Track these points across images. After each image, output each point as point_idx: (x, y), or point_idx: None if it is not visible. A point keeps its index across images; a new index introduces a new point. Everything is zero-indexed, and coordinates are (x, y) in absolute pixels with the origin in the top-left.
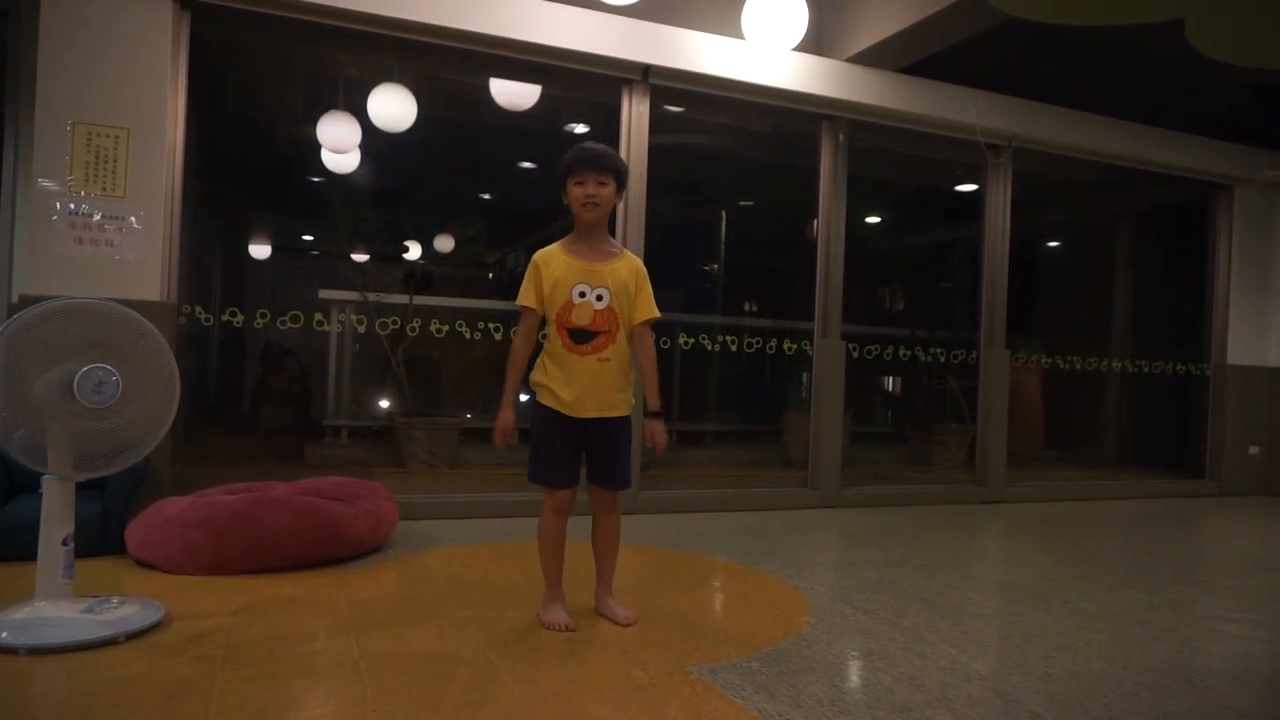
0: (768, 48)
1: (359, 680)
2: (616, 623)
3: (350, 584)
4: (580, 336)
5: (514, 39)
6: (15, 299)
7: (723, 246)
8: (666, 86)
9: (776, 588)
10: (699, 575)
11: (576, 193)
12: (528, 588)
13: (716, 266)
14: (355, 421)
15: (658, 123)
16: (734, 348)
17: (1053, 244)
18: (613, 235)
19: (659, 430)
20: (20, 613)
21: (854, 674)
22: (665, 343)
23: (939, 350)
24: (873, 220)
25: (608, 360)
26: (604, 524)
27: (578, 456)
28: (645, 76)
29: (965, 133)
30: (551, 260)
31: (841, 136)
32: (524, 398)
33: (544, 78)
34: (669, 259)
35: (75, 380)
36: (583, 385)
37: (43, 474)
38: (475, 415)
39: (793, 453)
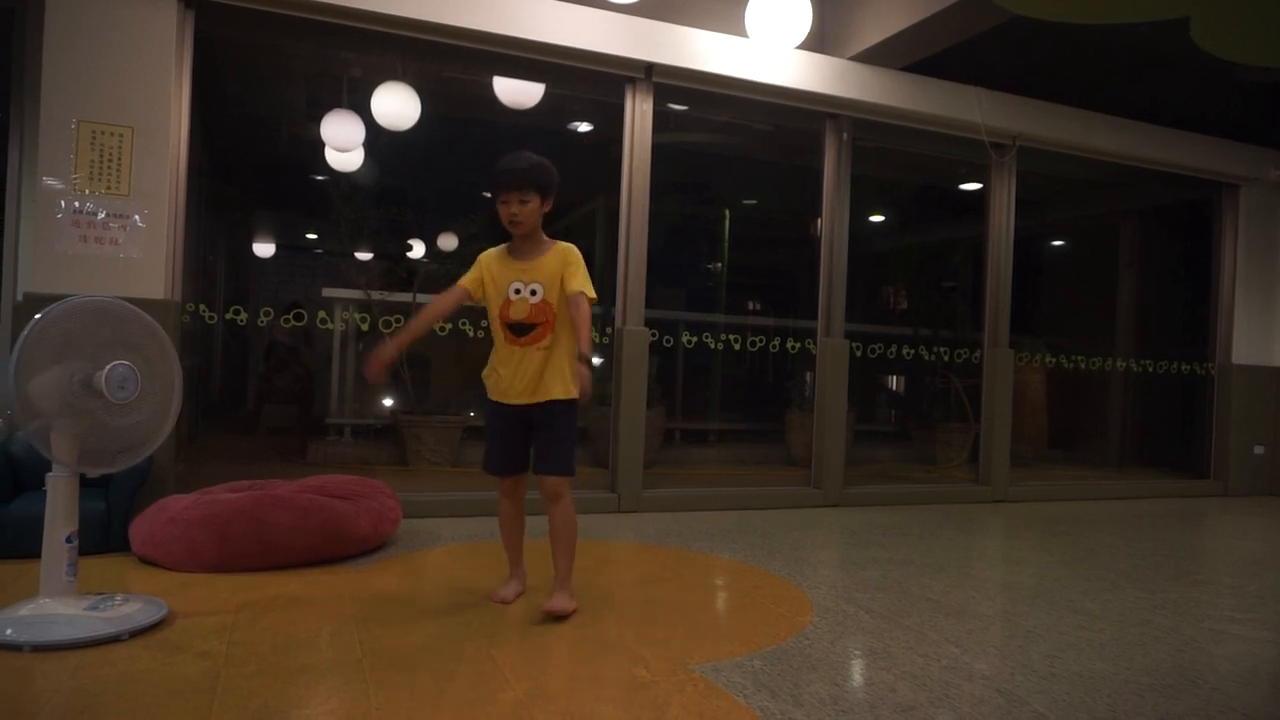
0: (771, 46)
1: (362, 678)
2: (548, 611)
3: (353, 582)
4: (519, 330)
5: (517, 37)
6: (20, 297)
7: (726, 245)
8: (670, 85)
9: (779, 586)
10: (701, 573)
11: (501, 211)
12: (531, 586)
13: (720, 265)
14: (358, 420)
15: (661, 121)
16: (737, 346)
17: (1057, 243)
18: (615, 233)
19: (584, 373)
20: (24, 610)
21: (856, 673)
22: (669, 341)
23: (942, 349)
24: (876, 219)
25: (547, 349)
26: (550, 514)
27: (518, 446)
28: (648, 75)
29: (970, 131)
30: (493, 261)
31: (845, 135)
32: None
33: (547, 76)
34: (672, 258)
35: (104, 376)
36: (522, 374)
37: (49, 471)
38: (478, 414)
39: (796, 451)
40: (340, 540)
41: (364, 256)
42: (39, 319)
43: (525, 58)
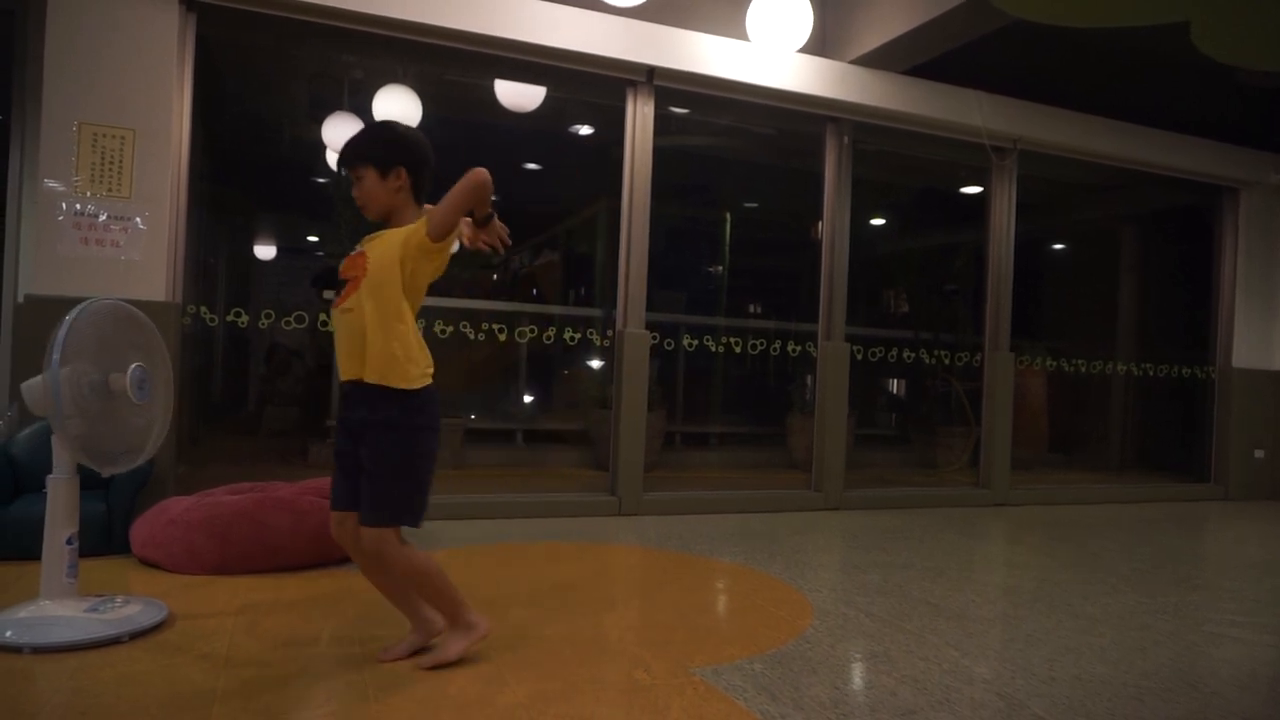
0: (772, 50)
1: (362, 680)
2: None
3: (353, 584)
4: (341, 288)
5: (518, 40)
6: (21, 299)
7: (727, 248)
8: (671, 88)
9: (780, 590)
10: (702, 576)
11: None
12: (530, 589)
13: (721, 268)
14: None
15: (662, 124)
16: (738, 349)
17: (1058, 246)
18: (616, 236)
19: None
20: (24, 611)
21: (857, 676)
22: (670, 344)
23: (943, 353)
24: (877, 222)
25: (349, 311)
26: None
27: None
28: (650, 78)
29: (970, 135)
30: None
31: (846, 138)
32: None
33: (549, 79)
34: (673, 261)
35: (128, 377)
36: (338, 345)
37: (49, 473)
38: (479, 416)
39: (796, 455)
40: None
41: None
42: (74, 321)
43: (527, 61)
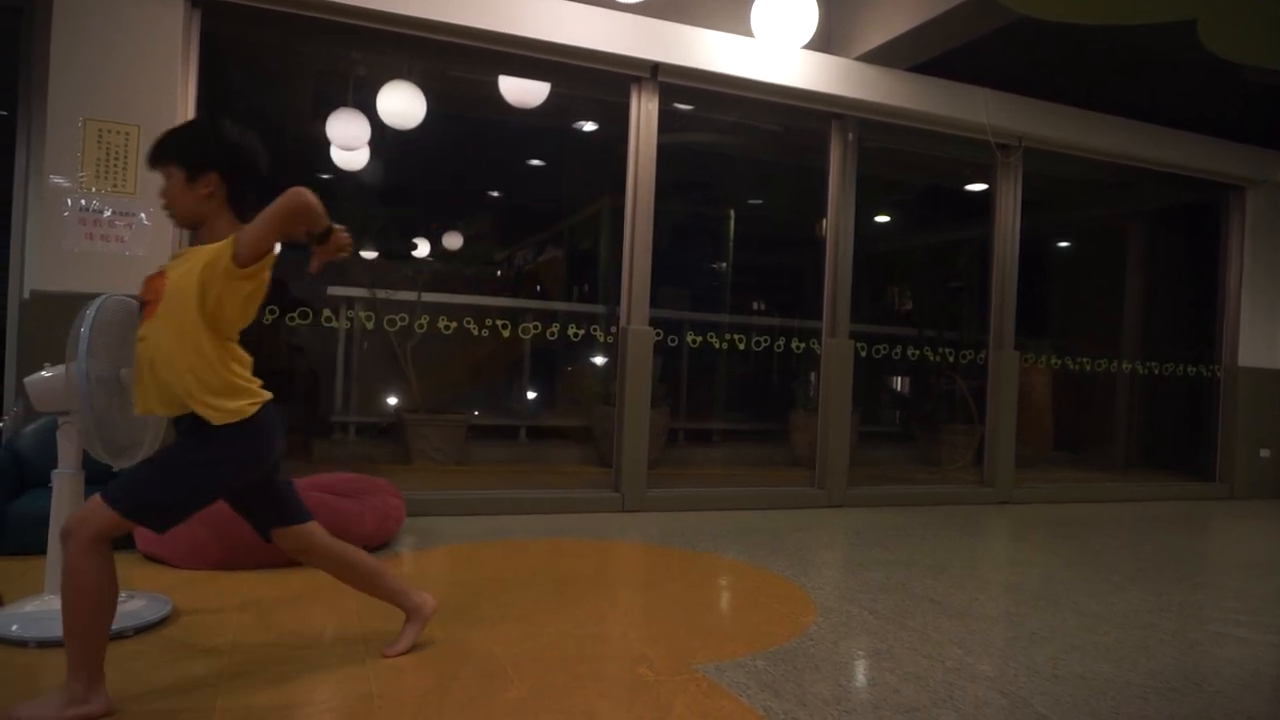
0: (777, 46)
1: (365, 676)
2: None
3: None
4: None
5: (523, 36)
6: (26, 295)
7: (731, 245)
8: (675, 84)
9: (783, 587)
10: (705, 573)
11: None
12: (534, 585)
13: (725, 265)
14: (363, 418)
15: (666, 121)
16: (742, 346)
17: (1063, 244)
18: (620, 233)
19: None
20: (30, 606)
21: (860, 673)
22: (673, 340)
23: (948, 350)
24: (882, 219)
25: (142, 339)
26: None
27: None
28: (654, 74)
29: (975, 131)
30: None
31: (851, 135)
32: None
33: (553, 75)
34: (677, 258)
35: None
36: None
37: (54, 469)
38: (482, 412)
39: (800, 452)
40: (344, 538)
41: (369, 255)
42: (96, 317)
43: (531, 57)
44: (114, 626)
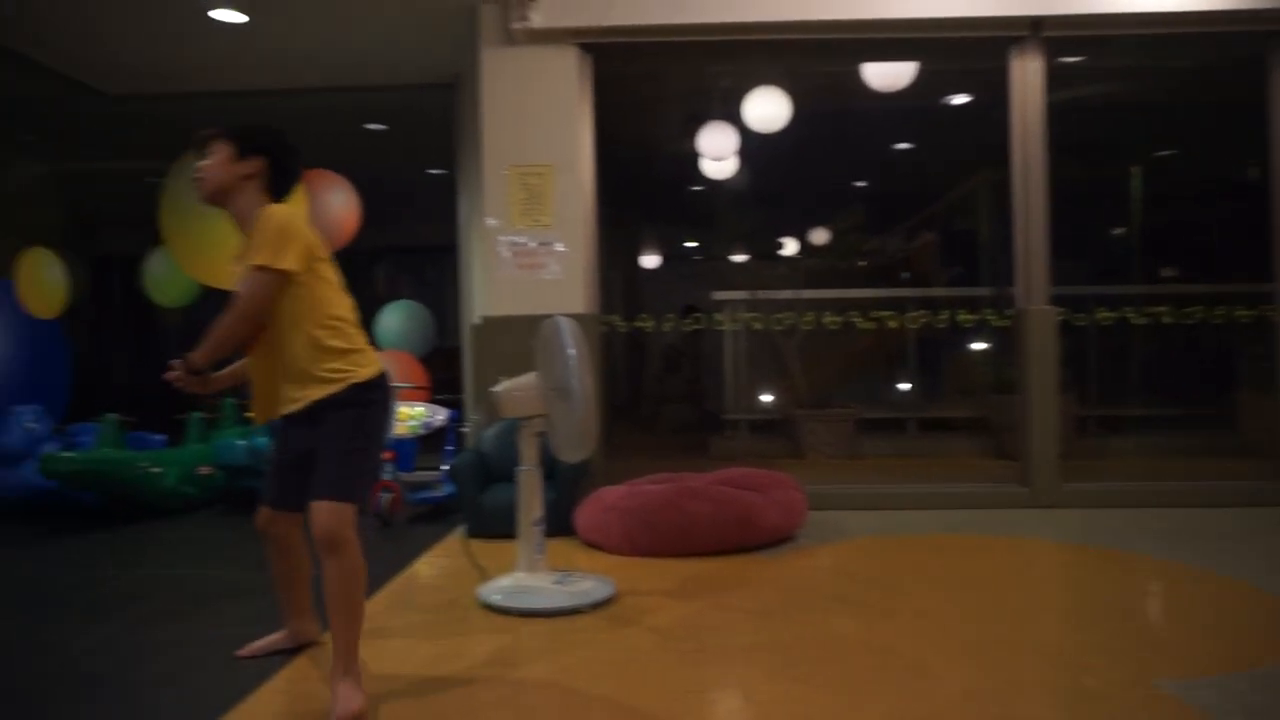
0: None
1: (785, 663)
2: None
3: (767, 570)
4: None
5: (885, 19)
6: (477, 319)
7: (1138, 206)
8: (1062, 37)
9: (1252, 596)
10: (1142, 576)
11: None
12: (946, 582)
13: (1131, 229)
14: (752, 415)
15: (1051, 79)
16: (1167, 320)
17: None
18: (998, 209)
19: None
20: (507, 580)
21: None
22: (1082, 319)
23: None
24: None
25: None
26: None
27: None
28: (1036, 30)
29: None
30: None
31: None
32: None
33: (919, 53)
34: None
35: (576, 380)
36: (259, 381)
37: (517, 466)
38: (866, 406)
39: (1251, 438)
40: (753, 530)
41: (740, 258)
42: (567, 333)
43: (895, 39)
44: (573, 603)
